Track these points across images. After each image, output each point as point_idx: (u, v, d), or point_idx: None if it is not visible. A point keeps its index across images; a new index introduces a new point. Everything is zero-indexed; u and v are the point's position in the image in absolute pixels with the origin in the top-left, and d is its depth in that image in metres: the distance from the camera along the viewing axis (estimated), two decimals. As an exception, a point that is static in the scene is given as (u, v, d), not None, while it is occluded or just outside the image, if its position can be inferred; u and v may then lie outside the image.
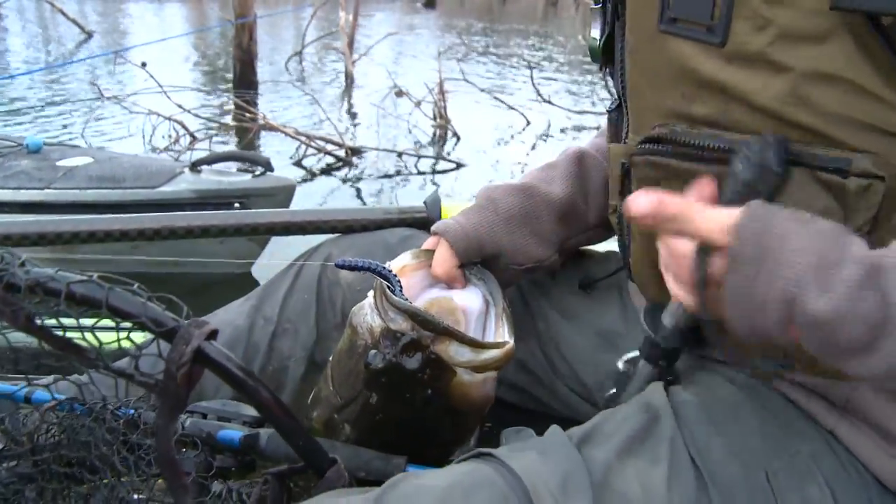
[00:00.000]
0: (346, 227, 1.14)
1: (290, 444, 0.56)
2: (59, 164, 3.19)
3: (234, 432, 0.80)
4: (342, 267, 0.82)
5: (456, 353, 0.76)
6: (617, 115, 0.81)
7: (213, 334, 0.51)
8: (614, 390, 0.85)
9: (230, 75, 7.68)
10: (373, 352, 0.76)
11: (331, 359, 0.88)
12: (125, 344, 0.54)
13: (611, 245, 1.01)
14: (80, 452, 0.73)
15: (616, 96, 0.81)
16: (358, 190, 4.95)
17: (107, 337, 0.56)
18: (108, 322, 0.53)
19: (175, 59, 8.95)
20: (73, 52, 9.69)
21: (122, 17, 14.68)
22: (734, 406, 0.72)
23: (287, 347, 1.06)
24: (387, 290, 0.77)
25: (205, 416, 0.84)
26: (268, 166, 3.28)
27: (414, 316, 0.75)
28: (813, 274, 0.49)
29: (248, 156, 3.62)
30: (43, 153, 3.28)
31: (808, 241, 0.51)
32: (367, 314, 0.80)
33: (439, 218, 1.15)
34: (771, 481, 0.64)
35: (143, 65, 5.79)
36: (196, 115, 5.45)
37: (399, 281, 0.80)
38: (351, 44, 8.05)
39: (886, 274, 0.49)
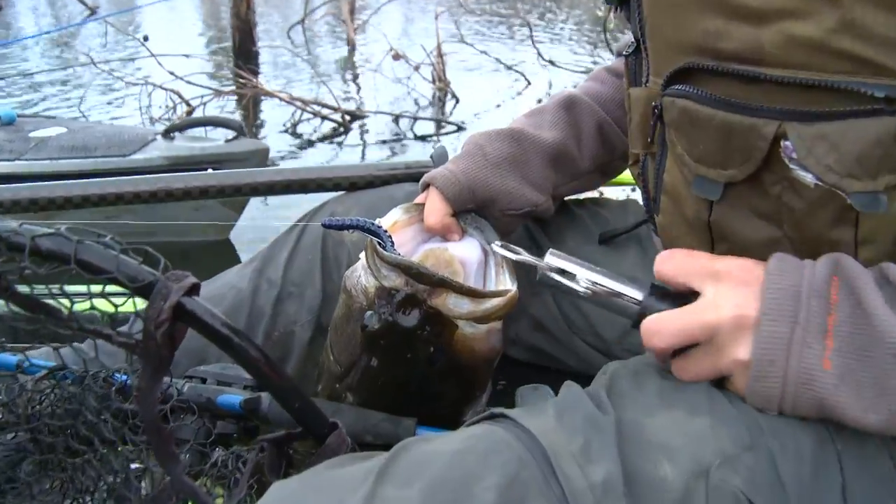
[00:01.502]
0: (349, 184, 1.09)
1: (285, 407, 0.52)
2: (31, 135, 3.19)
3: (234, 397, 0.77)
4: (329, 227, 0.77)
5: (455, 305, 0.71)
6: (634, 58, 0.76)
7: (194, 288, 0.47)
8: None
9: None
10: (368, 313, 0.71)
11: (330, 327, 0.84)
12: (105, 305, 0.50)
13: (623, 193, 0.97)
14: (70, 422, 0.70)
15: (633, 38, 0.76)
16: (361, 154, 4.91)
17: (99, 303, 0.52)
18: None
19: (181, 30, 8.89)
20: (77, 26, 9.67)
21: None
22: None
23: (293, 311, 1.02)
24: (377, 246, 0.73)
25: (204, 381, 0.81)
26: (240, 130, 3.26)
27: (407, 269, 0.70)
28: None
29: (221, 120, 3.59)
30: (17, 125, 3.29)
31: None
32: (361, 275, 0.75)
33: None
34: (835, 440, 0.58)
35: (145, 38, 5.77)
36: (189, 83, 5.43)
37: (390, 237, 0.75)
38: (352, 10, 7.97)
39: None
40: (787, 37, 0.54)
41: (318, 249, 1.02)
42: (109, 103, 5.72)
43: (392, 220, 0.83)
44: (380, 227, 0.76)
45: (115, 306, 0.48)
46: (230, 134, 3.29)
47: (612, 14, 0.80)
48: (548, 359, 0.99)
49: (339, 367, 0.79)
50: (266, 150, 3.35)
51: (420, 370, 0.74)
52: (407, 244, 0.83)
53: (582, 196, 1.05)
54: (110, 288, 0.48)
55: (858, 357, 0.52)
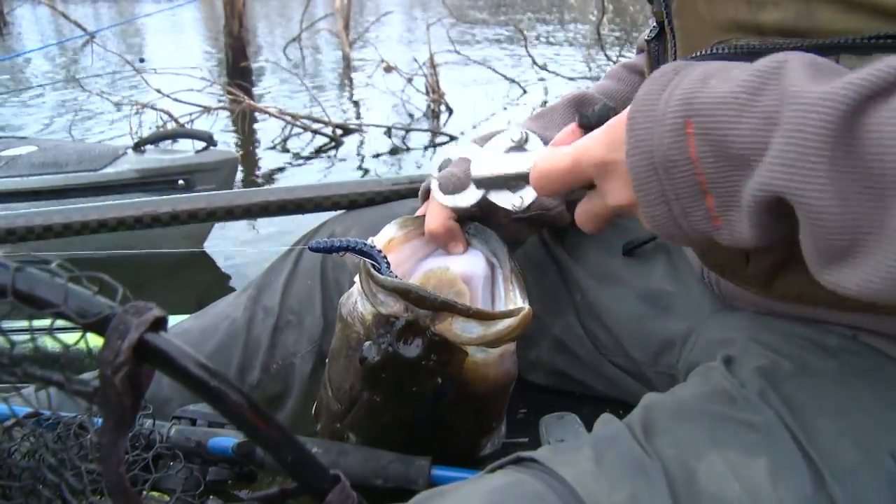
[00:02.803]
0: (349, 202, 1.01)
1: (277, 459, 0.43)
2: (1, 154, 3.19)
3: (227, 440, 0.69)
4: (316, 250, 0.70)
5: (462, 329, 0.62)
6: (658, 42, 0.69)
7: (158, 322, 0.39)
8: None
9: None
10: (366, 343, 0.63)
11: (327, 360, 0.76)
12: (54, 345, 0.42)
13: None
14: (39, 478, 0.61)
15: (655, 20, 0.69)
16: (356, 168, 4.89)
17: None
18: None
19: (182, 46, 8.95)
20: (77, 51, 9.75)
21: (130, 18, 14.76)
22: (829, 376, 0.59)
23: (292, 341, 0.94)
24: (371, 269, 0.65)
25: (194, 422, 0.72)
26: (210, 141, 3.33)
27: (406, 294, 0.62)
28: (715, 72, 0.45)
29: (190, 132, 3.66)
30: None
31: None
32: (357, 301, 0.67)
33: None
34: None
35: (142, 61, 5.84)
36: (176, 100, 5.50)
37: (385, 258, 0.67)
38: (347, 25, 8.01)
39: (788, 66, 0.41)
40: (843, 2, 0.48)
41: (318, 273, 0.94)
42: (101, 125, 5.72)
43: (387, 237, 0.74)
44: (373, 247, 0.68)
45: (66, 346, 0.40)
46: (200, 145, 3.36)
47: (605, 18, 0.74)
48: (572, 383, 0.90)
49: (339, 405, 0.70)
50: (236, 160, 3.43)
51: (428, 404, 0.65)
52: (405, 263, 0.75)
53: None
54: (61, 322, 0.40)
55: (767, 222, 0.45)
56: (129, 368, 0.38)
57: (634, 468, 0.50)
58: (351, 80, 7.76)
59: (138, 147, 3.32)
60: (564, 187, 0.58)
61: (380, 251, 0.68)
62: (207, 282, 3.32)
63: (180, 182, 3.22)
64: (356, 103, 6.87)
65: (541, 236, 0.93)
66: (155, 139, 3.44)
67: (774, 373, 0.59)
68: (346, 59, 8.17)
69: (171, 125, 5.17)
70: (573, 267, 0.89)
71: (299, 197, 1.04)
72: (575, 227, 0.91)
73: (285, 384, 0.93)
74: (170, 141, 3.67)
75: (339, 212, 1.02)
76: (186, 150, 3.48)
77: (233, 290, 1.03)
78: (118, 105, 5.51)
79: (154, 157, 3.26)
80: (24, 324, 0.41)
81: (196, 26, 13.06)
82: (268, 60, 8.31)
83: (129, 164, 3.19)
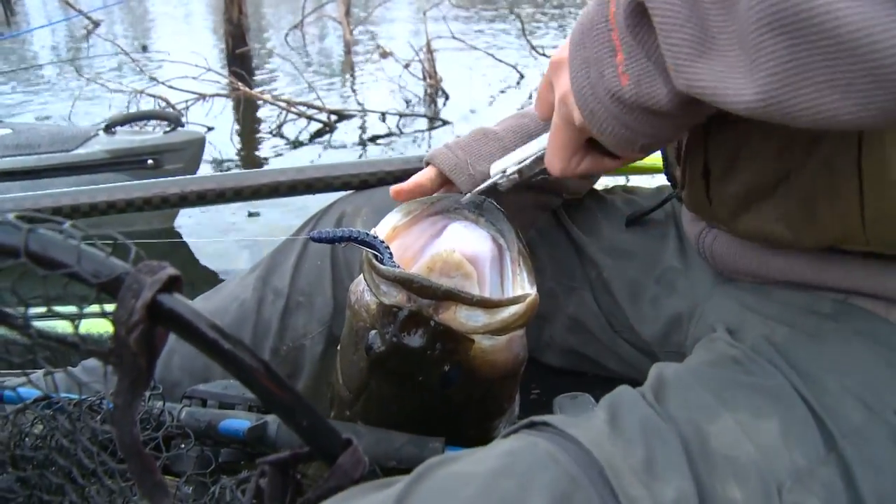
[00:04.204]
0: (359, 182, 1.00)
1: (291, 425, 0.43)
2: None
3: (238, 422, 0.68)
4: (318, 240, 0.69)
5: (467, 318, 0.62)
6: None
7: (172, 281, 0.38)
8: None
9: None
10: (372, 332, 0.63)
11: (339, 347, 0.76)
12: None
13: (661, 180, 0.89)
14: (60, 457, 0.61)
15: None
16: (351, 154, 4.90)
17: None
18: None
19: (185, 37, 8.97)
20: (81, 39, 9.80)
21: (138, 8, 14.87)
22: (828, 338, 0.60)
23: (301, 323, 0.93)
24: (373, 260, 0.64)
25: (204, 403, 0.72)
26: (177, 122, 3.47)
27: (408, 284, 0.61)
28: None
29: (158, 113, 3.86)
30: None
31: None
32: (363, 291, 0.67)
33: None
34: None
35: (144, 48, 5.89)
36: (171, 87, 5.55)
37: (388, 247, 0.67)
38: (348, 11, 8.01)
39: None
40: None
41: (328, 254, 0.94)
42: (101, 110, 5.76)
43: (390, 224, 0.73)
44: (375, 237, 0.68)
45: (80, 308, 0.40)
46: (168, 126, 3.49)
47: None
48: (586, 362, 0.90)
49: (348, 392, 0.70)
50: (202, 140, 3.56)
51: (437, 392, 0.65)
52: (411, 247, 0.74)
53: (612, 184, 0.97)
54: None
55: (646, 53, 0.49)
56: (144, 328, 0.38)
57: (649, 431, 0.49)
58: (352, 66, 7.75)
59: (109, 129, 3.42)
60: (548, 98, 0.62)
61: (382, 241, 0.67)
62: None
63: (149, 162, 3.33)
64: (355, 90, 6.88)
65: (556, 214, 0.93)
66: (124, 121, 3.54)
67: (776, 338, 0.60)
68: (348, 45, 8.17)
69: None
70: (588, 244, 0.89)
71: (309, 177, 1.03)
72: (587, 203, 0.92)
73: (296, 366, 0.93)
74: (141, 123, 3.80)
75: (349, 192, 1.02)
76: (156, 131, 3.63)
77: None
78: (113, 92, 5.55)
79: (124, 139, 3.37)
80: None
81: (205, 13, 13.10)
82: (263, 47, 8.33)
83: (99, 145, 3.29)
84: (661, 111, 0.49)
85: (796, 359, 0.58)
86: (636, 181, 1.16)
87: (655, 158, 0.96)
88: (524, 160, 0.72)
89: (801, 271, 0.66)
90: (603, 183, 0.98)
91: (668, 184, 0.84)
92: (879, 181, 0.55)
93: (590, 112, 0.52)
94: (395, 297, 0.62)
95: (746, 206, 0.65)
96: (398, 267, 0.65)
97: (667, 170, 0.80)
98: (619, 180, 1.02)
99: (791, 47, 0.38)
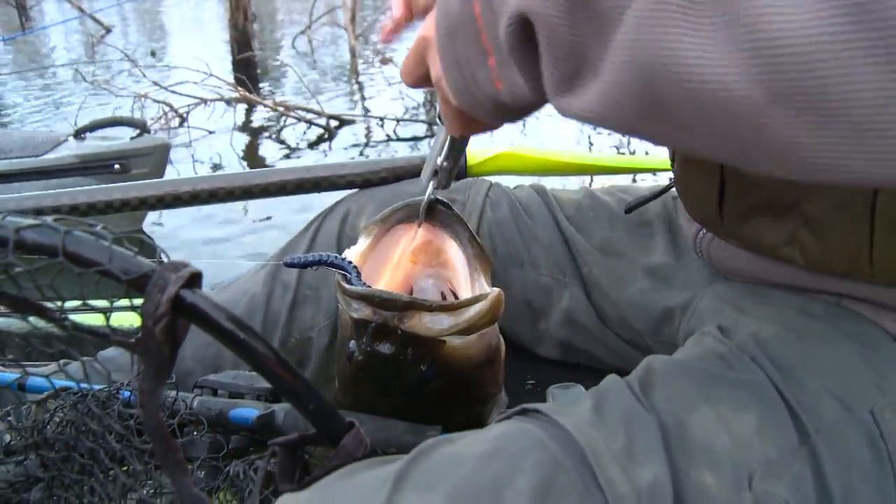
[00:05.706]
0: (363, 181, 1.04)
1: (299, 408, 0.47)
2: None
3: (248, 410, 0.73)
4: (291, 265, 0.74)
5: (433, 322, 0.65)
6: None
7: (194, 278, 0.43)
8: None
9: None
10: (351, 343, 0.68)
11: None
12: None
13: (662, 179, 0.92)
14: (83, 442, 0.66)
15: None
16: (351, 159, 4.91)
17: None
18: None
19: (194, 44, 8.98)
20: (93, 44, 9.84)
21: (152, 13, 14.97)
22: (815, 338, 0.63)
23: (309, 316, 0.98)
24: (341, 280, 0.69)
25: (215, 392, 0.77)
26: (144, 128, 3.60)
27: (370, 300, 0.66)
28: None
29: (126, 120, 3.88)
30: None
31: None
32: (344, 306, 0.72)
33: (465, 164, 1.06)
34: (878, 421, 0.54)
35: (153, 54, 5.90)
36: (174, 92, 5.59)
37: (355, 267, 0.71)
38: (353, 18, 8.00)
39: None
40: None
41: (335, 248, 0.98)
42: (106, 114, 5.83)
43: (359, 249, 0.76)
44: (343, 258, 0.73)
45: (111, 302, 0.44)
46: (134, 132, 3.60)
47: None
48: (578, 354, 0.94)
49: (343, 398, 0.75)
50: (167, 146, 3.66)
51: (418, 392, 0.70)
52: (388, 253, 0.78)
53: (608, 183, 1.00)
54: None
55: (519, 70, 0.45)
56: (168, 320, 0.42)
57: (631, 419, 0.53)
58: (357, 71, 7.78)
59: (78, 134, 3.53)
60: (416, 72, 0.58)
61: (350, 262, 0.72)
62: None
63: (116, 166, 3.43)
64: (360, 95, 6.91)
65: (550, 211, 0.96)
66: (93, 127, 3.63)
67: (763, 336, 0.63)
68: (352, 51, 8.19)
69: (170, 116, 5.34)
70: (580, 240, 0.92)
71: (316, 176, 1.07)
72: (583, 204, 0.96)
73: (303, 358, 0.98)
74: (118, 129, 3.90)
75: (354, 190, 1.06)
76: (124, 136, 3.71)
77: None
78: (116, 95, 5.61)
79: (93, 144, 3.47)
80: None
81: (216, 19, 13.18)
82: (264, 51, 8.35)
83: (68, 150, 3.39)
84: (539, 107, 0.48)
85: (780, 357, 0.60)
86: (641, 180, 1.18)
87: (656, 158, 0.99)
88: (442, 149, 0.73)
89: (797, 277, 0.68)
90: (599, 182, 1.01)
91: (664, 183, 0.87)
92: (892, 223, 0.57)
93: (467, 105, 0.51)
94: (364, 311, 0.67)
95: (758, 225, 0.66)
96: (365, 285, 0.69)
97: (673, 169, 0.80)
98: (625, 179, 1.05)
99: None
